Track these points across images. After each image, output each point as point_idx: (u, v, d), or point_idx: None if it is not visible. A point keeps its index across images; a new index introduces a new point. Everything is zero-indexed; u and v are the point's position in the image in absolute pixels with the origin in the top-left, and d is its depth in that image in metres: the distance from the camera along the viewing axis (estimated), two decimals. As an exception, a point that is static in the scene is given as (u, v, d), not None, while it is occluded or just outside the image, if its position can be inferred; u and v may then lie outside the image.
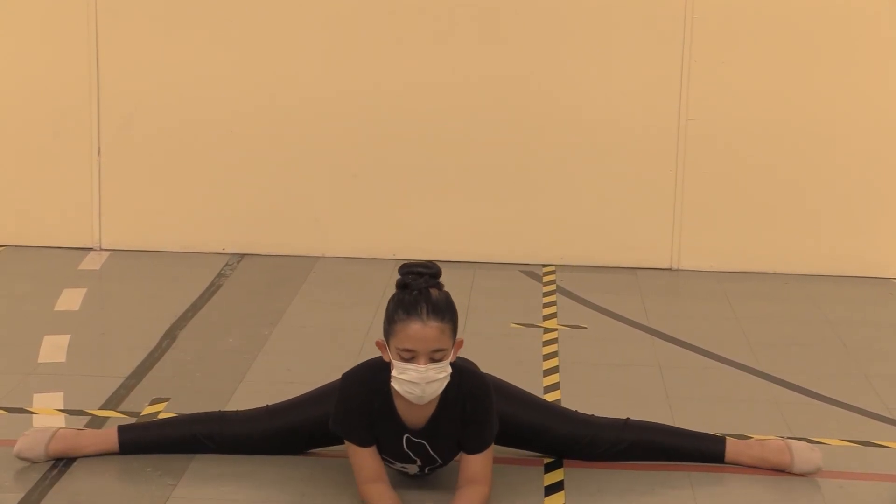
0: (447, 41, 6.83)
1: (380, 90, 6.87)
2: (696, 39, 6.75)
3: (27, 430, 4.37)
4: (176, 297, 6.22)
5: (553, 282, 6.67)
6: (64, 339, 5.60)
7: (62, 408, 4.84)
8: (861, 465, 4.49)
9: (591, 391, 5.14)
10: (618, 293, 6.51)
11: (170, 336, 5.67)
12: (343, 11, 6.82)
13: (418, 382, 3.91)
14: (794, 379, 5.34)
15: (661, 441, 4.42)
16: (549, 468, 4.38)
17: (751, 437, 4.60)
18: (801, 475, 4.37)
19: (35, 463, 4.30)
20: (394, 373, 3.94)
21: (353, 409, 4.04)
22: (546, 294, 6.48)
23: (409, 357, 3.91)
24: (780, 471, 4.38)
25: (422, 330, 3.88)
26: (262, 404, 4.45)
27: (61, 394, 4.96)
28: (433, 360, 3.91)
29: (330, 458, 4.37)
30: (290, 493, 4.17)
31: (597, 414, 4.46)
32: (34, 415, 4.77)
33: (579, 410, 4.48)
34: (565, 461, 4.40)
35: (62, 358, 5.40)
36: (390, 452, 4.10)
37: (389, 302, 3.96)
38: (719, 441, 4.44)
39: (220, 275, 6.65)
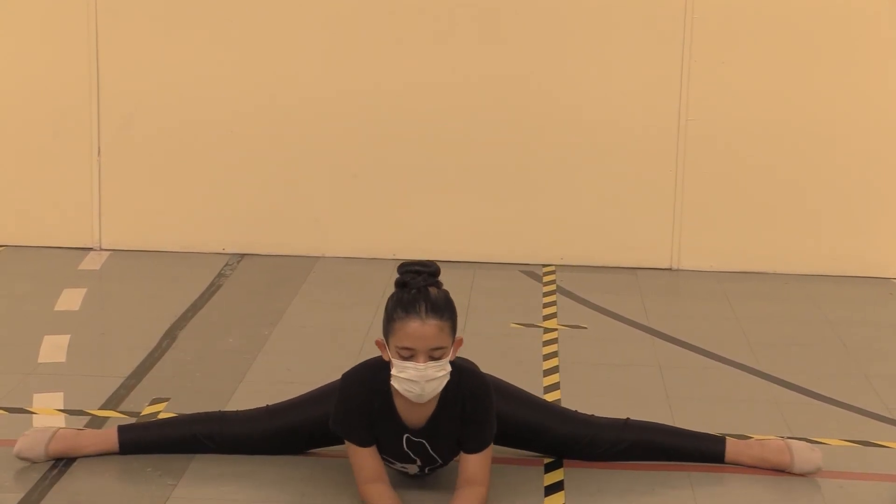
0: (447, 41, 6.83)
1: (380, 90, 6.87)
2: (696, 39, 6.75)
3: (27, 430, 4.37)
4: (176, 297, 6.22)
5: (553, 282, 6.67)
6: (64, 339, 5.60)
7: (62, 408, 4.84)
8: (861, 465, 4.49)
9: (591, 391, 5.14)
10: (618, 293, 6.51)
11: (170, 336, 5.67)
12: (343, 11, 6.82)
13: (417, 381, 3.91)
14: (794, 379, 5.34)
15: (661, 441, 4.42)
16: (549, 468, 4.38)
17: (751, 437, 4.60)
18: (802, 475, 4.37)
19: (35, 463, 4.30)
20: (393, 371, 3.94)
21: (353, 409, 4.04)
22: (546, 294, 6.48)
23: (409, 355, 3.91)
24: (781, 471, 4.38)
25: (420, 328, 3.88)
26: (262, 404, 4.45)
27: (61, 394, 4.96)
28: (432, 359, 3.91)
29: (330, 458, 4.37)
30: (290, 493, 4.17)
31: (597, 414, 4.46)
32: (34, 415, 4.77)
33: (579, 410, 4.48)
34: (565, 461, 4.40)
35: (62, 358, 5.40)
36: (390, 452, 4.10)
37: (388, 301, 3.96)
38: (719, 441, 4.44)
39: (220, 275, 6.65)
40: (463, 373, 4.04)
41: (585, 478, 4.32)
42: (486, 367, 4.25)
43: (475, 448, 4.04)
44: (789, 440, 4.44)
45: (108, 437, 4.38)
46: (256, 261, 6.93)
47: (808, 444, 4.45)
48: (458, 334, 3.99)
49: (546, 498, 4.19)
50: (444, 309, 3.92)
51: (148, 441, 4.40)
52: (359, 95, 6.87)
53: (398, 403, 4.03)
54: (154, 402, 4.90)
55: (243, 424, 4.40)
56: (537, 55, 6.81)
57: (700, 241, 6.94)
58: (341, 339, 5.71)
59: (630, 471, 4.37)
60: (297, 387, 4.50)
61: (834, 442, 4.67)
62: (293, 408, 4.36)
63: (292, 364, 5.37)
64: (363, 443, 4.04)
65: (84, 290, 6.33)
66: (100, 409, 4.83)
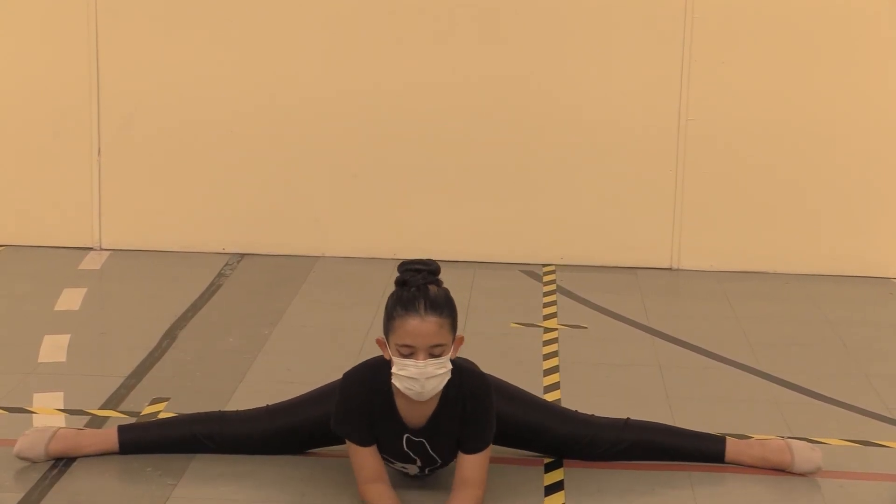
0: (447, 41, 6.83)
1: (380, 90, 6.87)
2: (696, 39, 6.75)
3: (27, 430, 4.37)
4: (176, 297, 6.22)
5: (553, 282, 6.67)
6: (64, 339, 5.60)
7: (62, 407, 4.84)
8: (861, 465, 4.49)
9: (591, 391, 5.14)
10: (618, 293, 6.51)
11: (170, 336, 5.67)
12: (343, 11, 6.82)
13: (418, 378, 3.91)
14: (794, 379, 5.34)
15: (661, 441, 4.42)
16: (549, 468, 4.38)
17: (751, 437, 4.60)
18: (802, 475, 4.37)
19: (35, 463, 4.30)
20: (394, 369, 3.94)
21: (353, 409, 4.04)
22: (546, 294, 6.48)
23: (408, 353, 3.91)
24: (781, 470, 4.38)
25: (420, 325, 3.88)
26: (262, 404, 4.45)
27: (61, 394, 4.96)
28: (432, 356, 3.91)
29: (330, 458, 4.37)
30: (290, 493, 4.17)
31: (597, 414, 4.46)
32: (34, 414, 4.77)
33: (579, 410, 4.48)
34: (565, 461, 4.40)
35: (62, 358, 5.40)
36: (390, 452, 4.10)
37: (389, 299, 3.97)
38: (719, 441, 4.44)
39: (220, 275, 6.65)
40: (464, 373, 4.04)
41: (585, 478, 4.32)
42: (486, 367, 4.25)
43: (474, 448, 4.04)
44: (790, 440, 4.44)
45: (108, 437, 4.38)
46: (256, 261, 6.93)
47: (809, 443, 4.45)
48: (459, 333, 3.99)
49: (546, 498, 4.19)
50: (444, 306, 3.92)
51: (148, 441, 4.40)
52: (359, 95, 6.87)
53: (399, 403, 4.04)
54: (154, 401, 4.90)
55: (243, 424, 4.40)
56: (537, 55, 6.81)
57: (700, 241, 6.94)
58: (341, 339, 5.71)
59: (630, 471, 4.37)
60: (297, 387, 4.50)
61: (834, 442, 4.67)
62: (293, 408, 4.36)
63: (292, 364, 5.37)
64: (363, 442, 4.04)
65: (84, 290, 6.33)
66: (100, 408, 4.83)
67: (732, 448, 4.42)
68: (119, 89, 6.92)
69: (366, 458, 4.04)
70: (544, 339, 5.78)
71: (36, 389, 5.00)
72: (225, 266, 6.80)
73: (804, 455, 4.37)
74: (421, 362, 3.91)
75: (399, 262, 4.05)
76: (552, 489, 4.24)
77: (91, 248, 7.04)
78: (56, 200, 7.03)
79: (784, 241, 6.91)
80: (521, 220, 6.95)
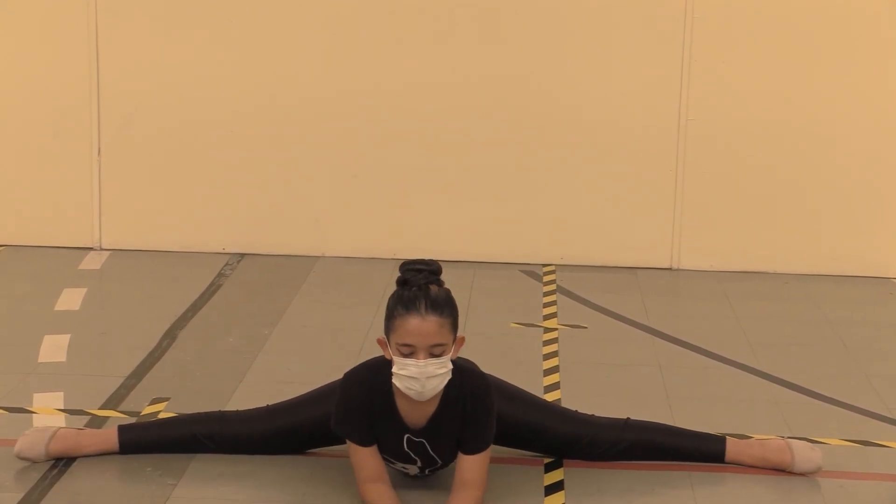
0: (447, 41, 6.83)
1: (380, 90, 6.87)
2: (696, 39, 6.75)
3: (27, 430, 4.37)
4: (176, 297, 6.22)
5: (553, 281, 6.67)
6: (64, 339, 5.60)
7: (62, 407, 4.84)
8: (861, 465, 4.49)
9: (591, 391, 5.14)
10: (618, 293, 6.51)
11: (170, 336, 5.67)
12: (343, 11, 6.82)
13: (418, 377, 3.91)
14: (794, 379, 5.34)
15: (661, 441, 4.42)
16: (549, 468, 4.38)
17: (751, 437, 4.60)
18: (802, 475, 4.37)
19: (35, 463, 4.30)
20: (394, 369, 3.94)
21: (353, 409, 4.04)
22: (546, 294, 6.48)
23: (409, 352, 3.91)
24: (781, 470, 4.38)
25: (420, 324, 3.88)
26: (262, 404, 4.45)
27: (61, 393, 4.96)
28: (433, 356, 3.91)
29: (330, 458, 4.37)
30: (290, 493, 4.17)
31: (597, 414, 4.46)
32: (34, 414, 4.77)
33: (579, 410, 4.48)
34: (565, 461, 4.40)
35: (62, 358, 5.40)
36: (391, 452, 4.10)
37: (390, 299, 3.97)
38: (720, 441, 4.44)
39: (220, 275, 6.65)
40: (464, 373, 4.04)
41: (585, 478, 4.32)
42: (486, 367, 4.25)
43: (474, 449, 4.04)
44: (790, 440, 4.44)
45: (109, 437, 4.38)
46: (256, 261, 6.93)
47: (809, 443, 4.45)
48: (460, 334, 3.99)
49: (546, 498, 4.19)
50: (445, 306, 3.92)
51: (148, 441, 4.40)
52: (359, 95, 6.87)
53: (399, 403, 4.04)
54: (154, 401, 4.90)
55: (243, 424, 4.40)
56: (537, 55, 6.81)
57: (700, 240, 6.94)
58: (341, 339, 5.71)
59: (630, 471, 4.37)
60: (297, 387, 4.50)
61: (834, 442, 4.67)
62: (293, 408, 4.36)
63: (292, 364, 5.37)
64: (364, 442, 4.04)
65: (84, 290, 6.33)
66: (100, 408, 4.83)
67: (732, 448, 4.42)
68: (119, 89, 6.92)
69: (366, 458, 4.04)
70: (544, 339, 5.78)
71: (36, 389, 5.00)
72: (225, 266, 6.80)
73: (804, 455, 4.37)
74: (421, 362, 3.91)
75: (400, 262, 4.05)
76: (552, 489, 4.24)
77: (91, 248, 7.04)
78: (56, 200, 7.03)
79: (784, 241, 6.91)
80: (521, 220, 6.95)
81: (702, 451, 4.42)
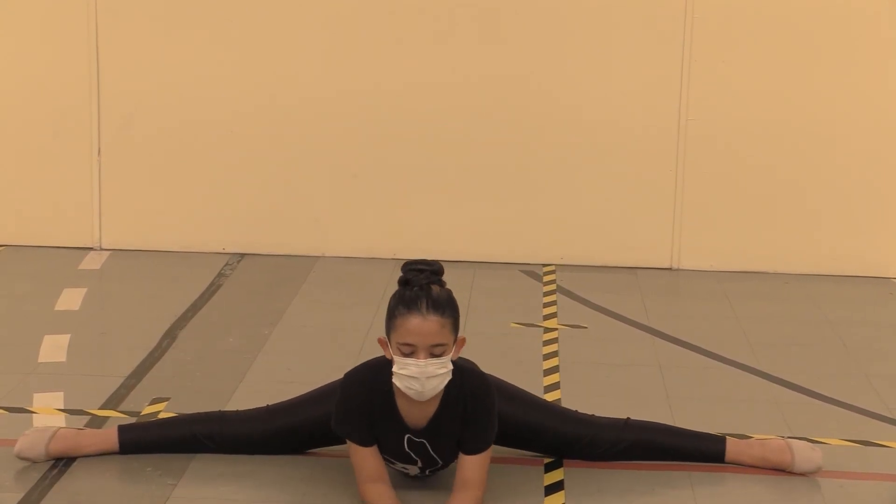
0: (447, 41, 6.83)
1: (380, 90, 6.87)
2: (696, 39, 6.75)
3: (27, 430, 4.37)
4: (176, 297, 6.22)
5: (553, 281, 6.67)
6: (64, 339, 5.60)
7: (62, 407, 4.84)
8: (861, 465, 4.49)
9: (591, 391, 5.14)
10: (618, 293, 6.51)
11: (170, 336, 5.67)
12: (343, 11, 6.82)
13: (418, 377, 3.91)
14: (794, 379, 5.34)
15: (661, 441, 4.42)
16: (549, 468, 4.38)
17: (751, 437, 4.60)
18: (802, 475, 4.37)
19: (35, 463, 4.30)
20: (395, 368, 3.94)
21: (353, 409, 4.04)
22: (546, 294, 6.48)
23: (409, 351, 3.91)
24: (781, 470, 4.38)
25: (422, 324, 3.88)
26: (262, 404, 4.45)
27: (61, 393, 4.96)
28: (433, 356, 3.91)
29: (330, 458, 4.37)
30: (290, 493, 4.17)
31: (597, 414, 4.46)
32: (34, 414, 4.77)
33: (579, 410, 4.48)
34: (565, 461, 4.40)
35: (62, 358, 5.40)
36: (391, 452, 4.10)
37: (391, 298, 3.97)
38: (720, 441, 4.44)
39: (220, 275, 6.65)
40: (465, 373, 4.04)
41: (585, 478, 4.32)
42: (486, 367, 4.25)
43: (475, 449, 4.04)
44: (790, 440, 4.44)
45: (109, 437, 4.38)
46: (256, 261, 6.93)
47: (809, 443, 4.45)
48: (460, 334, 3.99)
49: (546, 498, 4.19)
50: (446, 306, 3.92)
51: (148, 441, 4.40)
52: (359, 95, 6.87)
53: (400, 403, 4.04)
54: (154, 401, 4.90)
55: (243, 424, 4.40)
56: (537, 55, 6.81)
57: (700, 241, 6.94)
58: (341, 339, 5.71)
59: (630, 471, 4.37)
60: (297, 387, 4.50)
61: (834, 442, 4.67)
62: (293, 408, 4.36)
63: (292, 364, 5.37)
64: (364, 442, 4.04)
65: (84, 290, 6.33)
66: (100, 408, 4.83)
67: (732, 448, 4.42)
68: (119, 89, 6.92)
69: (366, 459, 4.04)
70: (544, 339, 5.78)
71: (36, 389, 5.00)
72: (225, 266, 6.80)
73: (804, 455, 4.37)
74: (422, 361, 3.91)
75: (400, 264, 4.05)
76: (552, 489, 4.24)
77: (91, 248, 7.04)
78: (56, 200, 7.03)
79: (784, 241, 6.91)
80: (521, 220, 6.95)
81: (702, 451, 4.42)
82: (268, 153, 6.96)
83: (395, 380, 3.96)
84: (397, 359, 3.94)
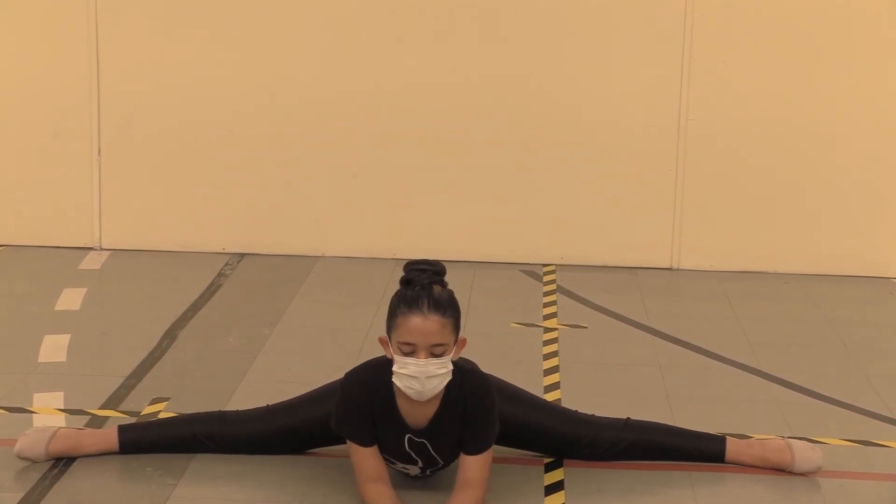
0: (447, 41, 6.83)
1: (380, 90, 6.87)
2: (696, 39, 6.75)
3: (27, 430, 4.37)
4: (176, 297, 6.22)
5: (553, 281, 6.67)
6: (64, 339, 5.60)
7: (62, 407, 4.84)
8: (861, 465, 4.49)
9: (591, 391, 5.14)
10: (618, 293, 6.51)
11: (170, 336, 5.67)
12: (343, 11, 6.82)
13: (418, 377, 3.91)
14: (794, 379, 5.34)
15: (661, 441, 4.42)
16: (549, 468, 4.38)
17: (751, 437, 4.60)
18: (802, 475, 4.37)
19: (35, 462, 4.30)
20: (395, 368, 3.94)
21: (353, 409, 4.04)
22: (546, 294, 6.48)
23: (410, 351, 3.91)
24: (781, 470, 4.38)
25: (422, 323, 3.88)
26: (262, 404, 4.45)
27: (61, 393, 4.96)
28: (433, 355, 3.91)
29: (330, 458, 4.37)
30: (290, 493, 4.17)
31: (597, 414, 4.46)
32: (34, 414, 4.77)
33: (579, 410, 4.48)
34: (565, 461, 4.40)
35: (62, 357, 5.40)
36: (392, 452, 4.10)
37: (392, 298, 3.97)
38: (720, 441, 4.44)
39: (220, 275, 6.65)
40: (465, 373, 4.04)
41: (585, 478, 4.32)
42: (486, 367, 4.25)
43: (475, 449, 4.04)
44: (790, 440, 4.44)
45: (109, 437, 4.38)
46: (256, 261, 6.93)
47: (809, 443, 4.45)
48: (460, 334, 3.99)
49: (546, 498, 4.19)
50: (447, 306, 3.92)
51: (148, 441, 4.40)
52: (359, 95, 6.87)
53: (400, 403, 4.04)
54: (154, 401, 4.90)
55: (243, 424, 4.40)
56: (537, 55, 6.81)
57: (700, 240, 6.94)
58: (341, 339, 5.71)
59: (630, 471, 4.37)
60: (297, 387, 4.50)
61: (834, 441, 4.67)
62: (293, 408, 4.36)
63: (292, 364, 5.37)
64: (364, 443, 4.04)
65: (84, 290, 6.33)
66: (100, 408, 4.83)
67: (732, 448, 4.42)
68: (119, 89, 6.92)
69: (366, 459, 4.04)
70: (544, 339, 5.78)
71: (36, 389, 5.00)
72: (225, 266, 6.80)
73: (804, 455, 4.37)
74: (422, 361, 3.91)
75: (400, 264, 4.06)
76: (552, 489, 4.24)
77: (91, 248, 7.04)
78: (56, 200, 7.03)
79: (784, 241, 6.91)
80: (521, 220, 6.95)
81: (702, 450, 4.42)
82: (268, 153, 6.96)
83: (395, 379, 3.96)
84: (397, 358, 3.94)
